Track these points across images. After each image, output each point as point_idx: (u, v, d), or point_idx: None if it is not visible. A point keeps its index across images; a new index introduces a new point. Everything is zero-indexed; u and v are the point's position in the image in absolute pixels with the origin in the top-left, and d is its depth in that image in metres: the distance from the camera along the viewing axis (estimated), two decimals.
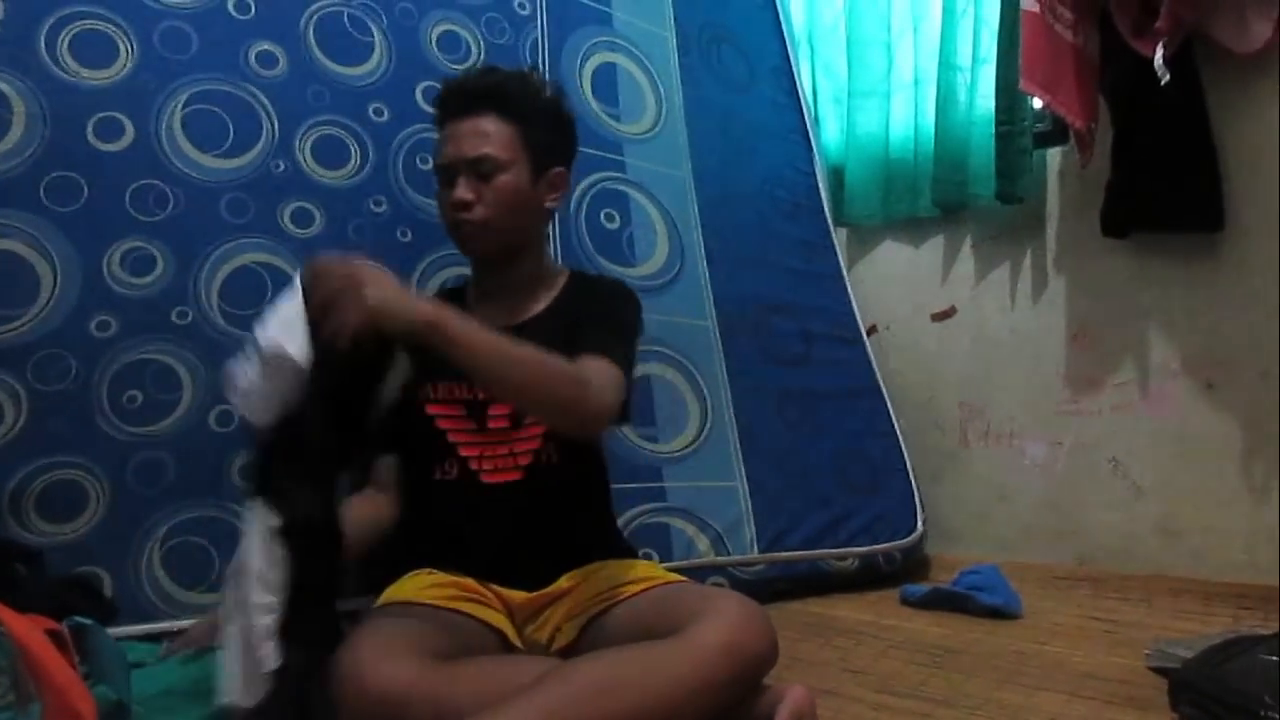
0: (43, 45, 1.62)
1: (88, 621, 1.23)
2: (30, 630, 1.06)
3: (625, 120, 2.30)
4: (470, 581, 1.41)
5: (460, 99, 1.54)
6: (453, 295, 1.65)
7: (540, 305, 1.58)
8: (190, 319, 1.64)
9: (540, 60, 2.18)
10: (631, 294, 1.62)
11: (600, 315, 1.53)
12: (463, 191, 1.49)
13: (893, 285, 2.88)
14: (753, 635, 1.20)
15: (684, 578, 1.48)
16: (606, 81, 2.30)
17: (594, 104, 2.25)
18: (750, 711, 1.19)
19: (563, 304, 1.58)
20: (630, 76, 2.35)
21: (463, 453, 1.50)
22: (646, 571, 1.45)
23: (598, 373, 1.36)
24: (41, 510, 1.50)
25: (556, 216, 2.06)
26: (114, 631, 1.39)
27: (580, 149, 2.14)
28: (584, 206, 2.15)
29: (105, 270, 1.60)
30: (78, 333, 1.56)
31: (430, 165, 1.84)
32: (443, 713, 1.08)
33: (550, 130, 1.57)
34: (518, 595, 1.44)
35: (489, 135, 1.50)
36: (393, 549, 1.58)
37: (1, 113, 1.57)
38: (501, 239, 1.53)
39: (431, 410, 1.51)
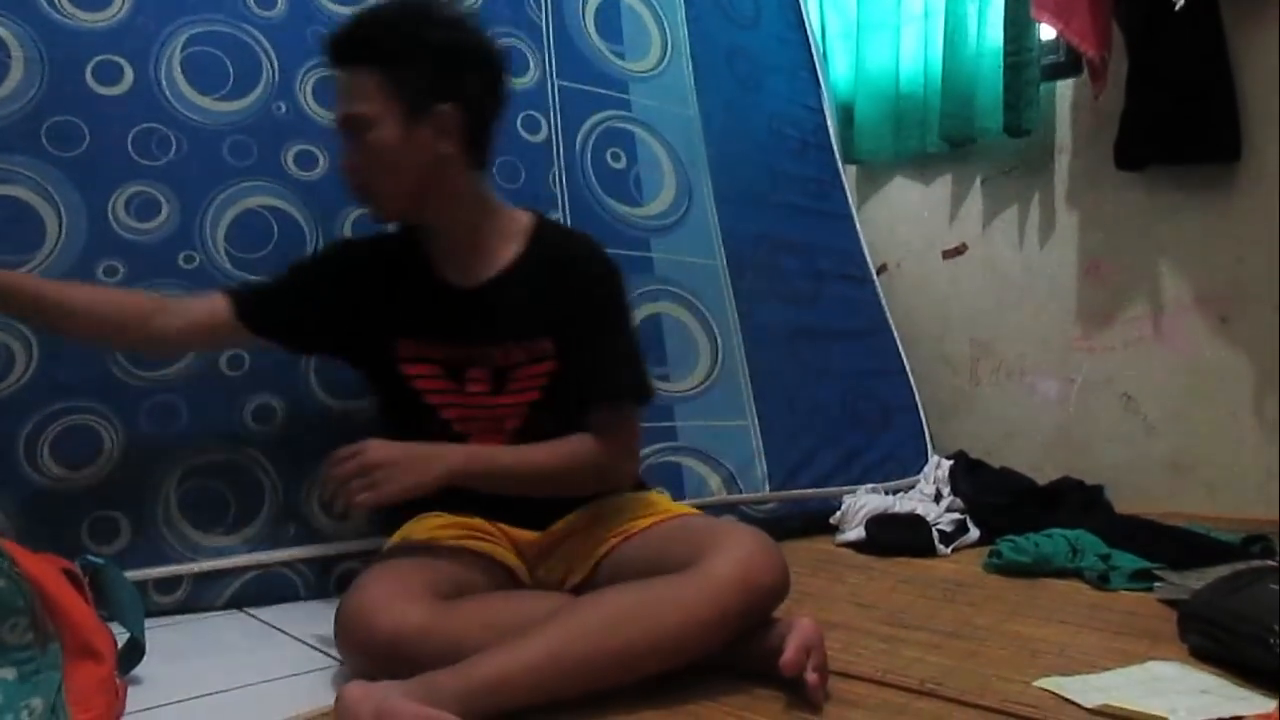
0: None
1: (101, 560, 1.24)
2: (46, 569, 1.07)
3: (630, 58, 2.27)
4: (479, 521, 1.41)
5: (331, 51, 1.42)
6: (403, 243, 1.51)
7: (504, 259, 1.47)
8: (198, 263, 1.64)
9: None
10: (615, 271, 1.52)
11: (598, 322, 1.47)
12: (344, 157, 1.42)
13: (903, 223, 2.86)
14: (765, 568, 1.20)
15: (695, 510, 1.48)
16: (610, 19, 2.26)
17: (598, 42, 2.21)
18: (759, 644, 1.20)
19: (532, 263, 1.47)
20: (634, 13, 2.31)
21: (444, 415, 1.45)
22: (657, 505, 1.44)
23: (616, 438, 1.43)
24: (56, 455, 1.50)
25: (560, 155, 2.06)
26: (133, 574, 1.41)
27: (585, 87, 2.16)
28: (589, 146, 2.13)
29: (110, 215, 1.59)
30: (86, 277, 1.55)
31: None
32: (455, 651, 1.08)
33: (426, 66, 1.37)
34: (526, 535, 1.44)
35: (354, 89, 1.38)
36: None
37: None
38: (399, 202, 1.43)
39: (407, 370, 1.46)
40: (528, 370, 1.45)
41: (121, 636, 1.21)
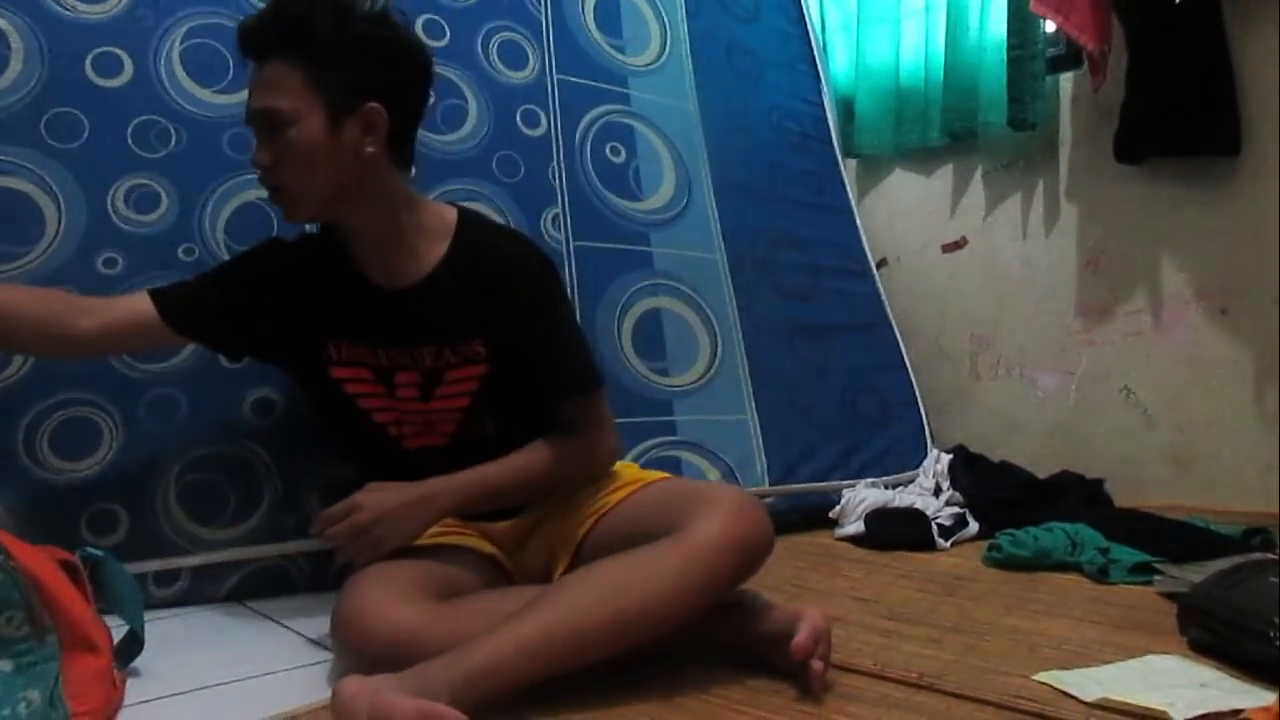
0: None
1: (100, 553, 1.24)
2: (43, 562, 1.07)
3: (629, 52, 2.27)
4: (448, 518, 1.41)
5: (245, 44, 1.35)
6: (327, 244, 1.47)
7: (430, 259, 1.41)
8: (196, 256, 1.64)
9: None
10: (547, 263, 1.47)
11: (540, 321, 1.42)
12: (257, 153, 1.34)
13: (903, 217, 2.86)
14: (751, 526, 1.20)
15: (666, 474, 1.46)
16: (610, 13, 2.26)
17: (598, 36, 2.22)
18: (760, 626, 1.20)
19: (459, 262, 1.41)
20: (634, 7, 2.31)
21: (377, 419, 1.43)
22: (626, 476, 1.43)
23: (592, 426, 1.42)
24: (55, 447, 1.50)
25: (560, 149, 2.05)
26: (132, 567, 1.40)
27: (585, 81, 2.15)
28: (589, 140, 2.13)
29: (110, 207, 1.59)
30: (85, 270, 1.55)
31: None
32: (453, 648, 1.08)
33: (353, 62, 1.32)
34: (497, 525, 1.45)
35: (273, 83, 1.31)
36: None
37: None
38: (315, 202, 1.37)
39: (337, 374, 1.42)
40: (458, 373, 1.41)
41: (121, 629, 1.21)
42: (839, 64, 2.91)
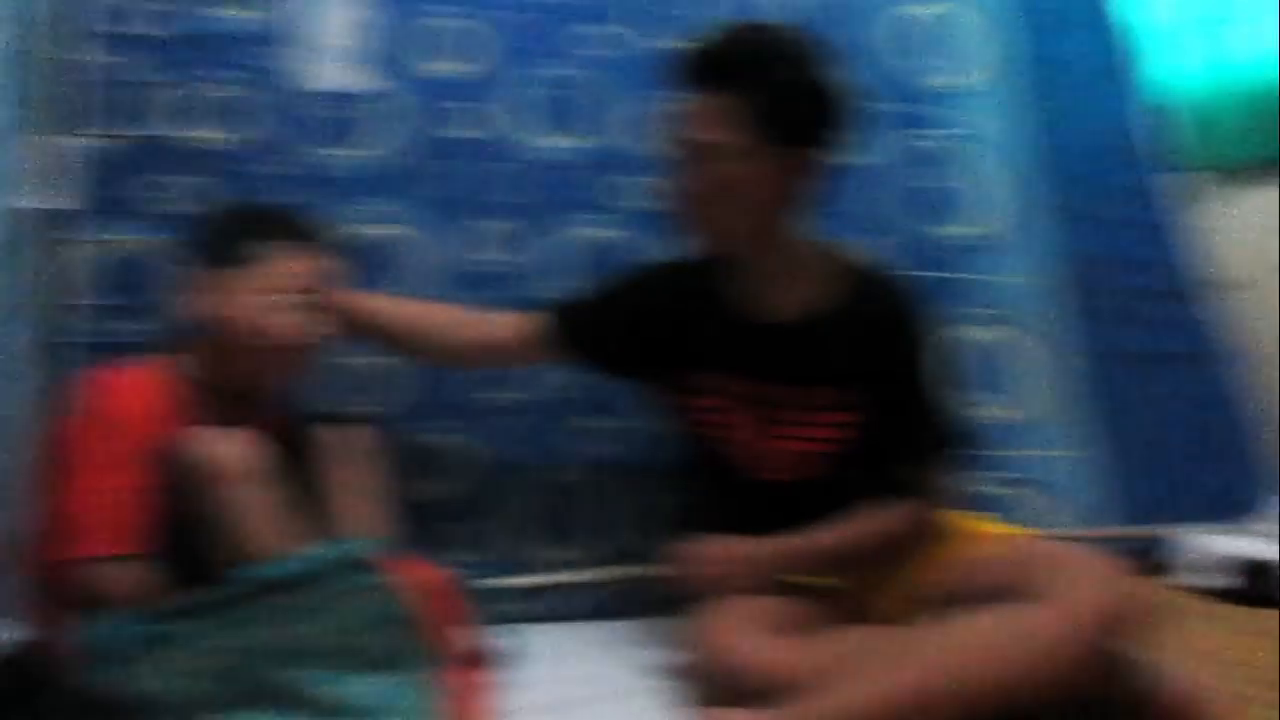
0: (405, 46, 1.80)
1: (470, 569, 1.36)
2: (424, 579, 1.18)
3: (952, 73, 2.21)
4: None
5: (695, 71, 1.33)
6: (697, 271, 1.46)
7: (813, 299, 1.40)
8: (547, 293, 1.72)
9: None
10: (930, 321, 1.44)
11: (910, 388, 1.40)
12: (677, 179, 1.35)
13: (1254, 236, 2.60)
14: (1131, 601, 1.11)
15: (1028, 531, 1.44)
16: (931, 32, 2.21)
17: (917, 57, 2.17)
18: (1164, 700, 1.13)
19: (848, 306, 1.40)
20: (958, 25, 2.25)
21: (733, 451, 1.43)
22: (981, 529, 1.40)
23: (922, 499, 1.40)
24: (425, 471, 1.66)
25: (881, 177, 2.04)
26: (497, 583, 1.53)
27: (904, 106, 2.11)
28: (910, 165, 2.10)
29: (466, 250, 1.78)
30: None
31: None
32: (808, 685, 1.09)
33: (801, 107, 1.30)
34: None
35: (715, 116, 1.30)
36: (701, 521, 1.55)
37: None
38: (734, 237, 1.37)
39: (698, 402, 1.44)
40: (830, 417, 1.40)
41: (488, 643, 1.29)
42: (1182, 70, 2.70)
